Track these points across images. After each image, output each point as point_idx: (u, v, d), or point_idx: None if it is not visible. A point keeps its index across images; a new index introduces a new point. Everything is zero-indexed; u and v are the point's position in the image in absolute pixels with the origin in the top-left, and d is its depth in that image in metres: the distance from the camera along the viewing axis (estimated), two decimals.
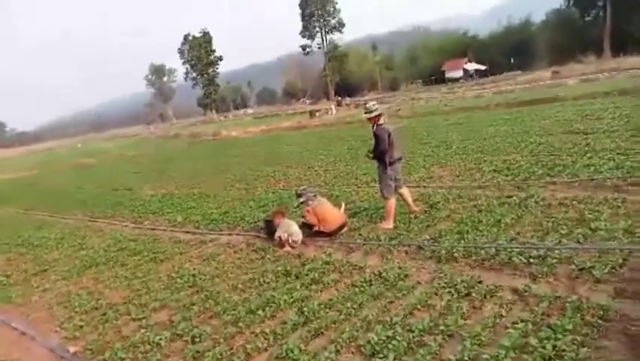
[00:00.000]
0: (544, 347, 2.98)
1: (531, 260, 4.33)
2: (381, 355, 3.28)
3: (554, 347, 2.98)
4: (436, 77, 57.87)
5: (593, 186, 6.34)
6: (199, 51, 75.87)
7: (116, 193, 14.14)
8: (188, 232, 7.96)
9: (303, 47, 70.56)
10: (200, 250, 6.76)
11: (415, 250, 5.16)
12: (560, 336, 3.08)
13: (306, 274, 5.00)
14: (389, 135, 6.08)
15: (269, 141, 23.70)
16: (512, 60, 52.62)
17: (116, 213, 10.76)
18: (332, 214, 6.33)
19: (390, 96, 45.12)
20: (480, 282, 4.11)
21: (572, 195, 6.07)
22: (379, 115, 6.18)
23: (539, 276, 4.04)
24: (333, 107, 39.43)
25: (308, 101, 65.87)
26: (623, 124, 10.35)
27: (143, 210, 10.55)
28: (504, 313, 3.55)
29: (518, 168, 7.94)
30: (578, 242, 4.58)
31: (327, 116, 34.41)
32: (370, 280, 4.57)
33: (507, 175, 7.69)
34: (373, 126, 6.24)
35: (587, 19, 51.57)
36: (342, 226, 6.27)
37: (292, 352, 3.51)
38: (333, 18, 68.40)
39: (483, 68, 56.70)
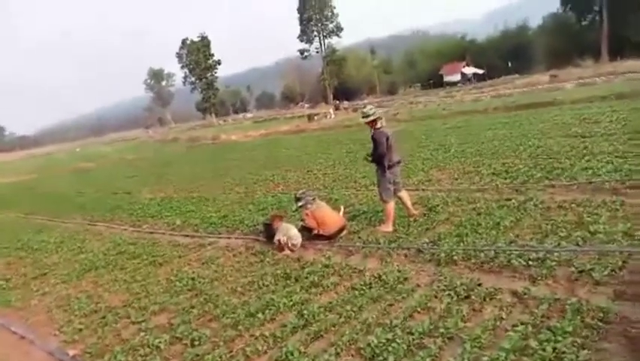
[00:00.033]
0: (544, 350, 2.99)
1: (530, 263, 4.34)
2: (381, 357, 3.29)
3: (554, 349, 2.98)
4: (434, 81, 58.02)
5: (592, 189, 6.36)
6: (197, 55, 75.85)
7: (115, 197, 14.13)
8: (187, 236, 7.96)
9: (301, 51, 70.69)
10: (200, 254, 6.76)
11: (414, 253, 5.17)
12: (559, 338, 3.08)
13: (306, 277, 5.01)
14: (387, 139, 6.09)
15: (268, 145, 23.72)
16: (510, 64, 52.73)
17: (115, 217, 10.76)
18: (331, 218, 6.33)
19: (389, 100, 45.26)
20: (479, 285, 4.12)
21: (570, 198, 6.09)
22: (377, 119, 6.20)
23: (539, 278, 4.05)
24: (331, 110, 39.47)
25: (306, 105, 65.91)
26: (621, 127, 10.39)
27: (142, 213, 10.55)
28: (504, 316, 3.56)
29: (517, 172, 7.96)
30: (577, 245, 4.59)
31: (325, 120, 34.44)
32: (370, 283, 4.58)
33: (506, 178, 7.71)
34: (371, 130, 6.27)
35: (583, 23, 51.77)
36: (341, 230, 6.27)
37: (292, 355, 3.50)
38: (331, 22, 68.55)
39: (481, 71, 56.84)
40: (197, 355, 3.80)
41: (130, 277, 6.18)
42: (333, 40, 69.80)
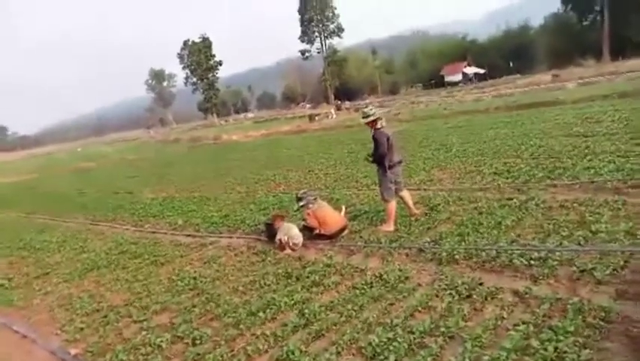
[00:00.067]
0: (545, 349, 2.98)
1: (532, 262, 4.33)
2: (381, 357, 3.28)
3: (556, 348, 2.98)
4: (435, 81, 58.02)
5: (594, 189, 6.35)
6: (199, 56, 75.92)
7: (117, 197, 14.16)
8: (188, 235, 7.96)
9: (302, 52, 70.74)
10: (201, 253, 6.77)
11: (415, 253, 5.16)
12: (561, 338, 3.07)
13: (307, 277, 5.01)
14: (388, 139, 6.09)
15: (269, 145, 23.74)
16: (511, 64, 52.73)
17: (116, 217, 10.78)
18: (332, 217, 6.33)
19: (390, 100, 45.24)
20: (481, 284, 4.11)
21: (572, 198, 6.08)
22: (377, 119, 6.20)
23: (540, 278, 4.04)
24: (332, 111, 39.48)
25: (308, 106, 65.95)
26: (623, 127, 10.37)
27: (143, 213, 10.57)
28: (505, 315, 3.55)
29: (518, 171, 7.95)
30: (579, 244, 4.58)
31: (327, 120, 34.47)
32: (371, 283, 4.57)
33: (507, 178, 7.70)
34: (372, 130, 6.27)
35: (584, 23, 51.78)
36: (342, 229, 6.27)
37: (293, 354, 3.50)
38: (332, 23, 68.61)
39: (482, 71, 56.84)
40: (199, 354, 3.81)
41: (132, 277, 6.19)
42: (334, 41, 70.01)
